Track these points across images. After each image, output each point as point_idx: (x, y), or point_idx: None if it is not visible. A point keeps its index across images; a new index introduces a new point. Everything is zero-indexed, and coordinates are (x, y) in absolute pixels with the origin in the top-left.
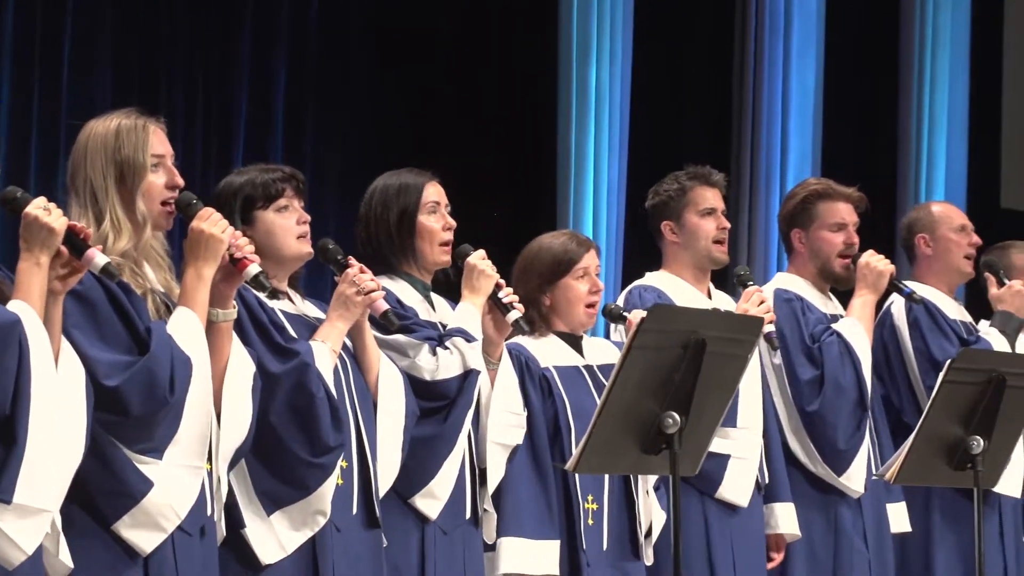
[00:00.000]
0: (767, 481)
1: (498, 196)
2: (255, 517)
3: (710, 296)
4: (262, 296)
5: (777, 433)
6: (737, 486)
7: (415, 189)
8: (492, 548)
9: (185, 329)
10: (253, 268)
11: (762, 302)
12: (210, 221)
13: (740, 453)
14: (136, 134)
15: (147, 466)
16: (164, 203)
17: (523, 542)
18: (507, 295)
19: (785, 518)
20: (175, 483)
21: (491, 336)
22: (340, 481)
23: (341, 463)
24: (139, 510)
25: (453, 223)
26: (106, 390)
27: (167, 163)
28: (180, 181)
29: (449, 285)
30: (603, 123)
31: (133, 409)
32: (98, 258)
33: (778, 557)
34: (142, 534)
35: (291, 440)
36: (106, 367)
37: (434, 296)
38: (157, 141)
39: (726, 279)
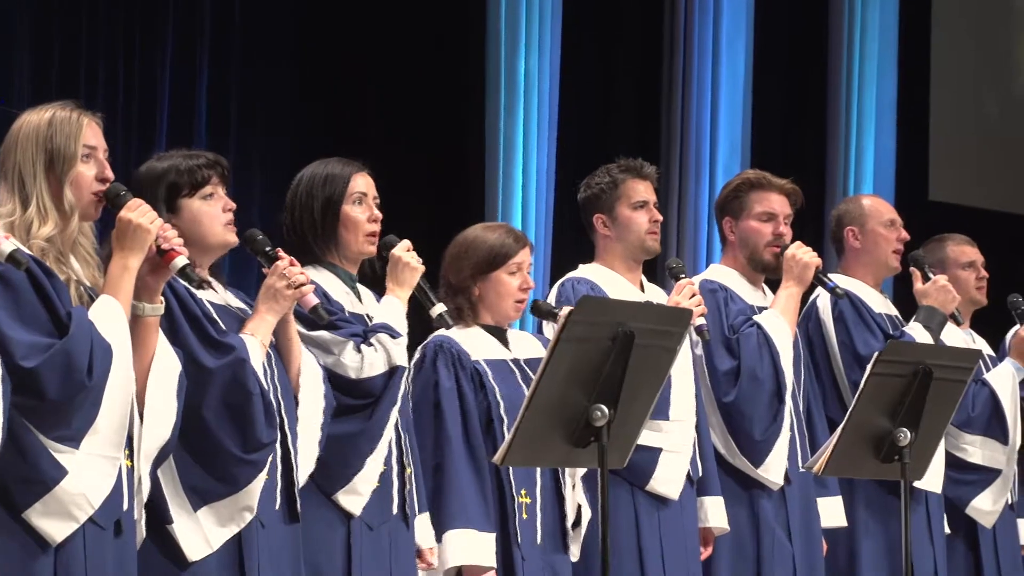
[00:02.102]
0: (700, 474)
1: (426, 187)
2: (181, 512)
3: (643, 289)
4: (190, 287)
5: (708, 426)
6: (668, 479)
7: (341, 179)
8: None
9: (107, 316)
10: (180, 260)
11: (693, 294)
12: (138, 212)
13: (672, 446)
14: (69, 124)
15: (62, 454)
16: (94, 195)
17: (472, 533)
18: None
19: (714, 512)
20: (90, 472)
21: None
22: (266, 476)
23: None
24: (51, 498)
25: (379, 215)
26: (23, 371)
27: (99, 155)
28: (110, 175)
29: (375, 277)
30: (532, 114)
31: (50, 392)
32: (3, 245)
33: (706, 551)
34: (53, 523)
35: (224, 436)
36: (25, 348)
37: (360, 287)
38: (90, 133)
39: (659, 272)
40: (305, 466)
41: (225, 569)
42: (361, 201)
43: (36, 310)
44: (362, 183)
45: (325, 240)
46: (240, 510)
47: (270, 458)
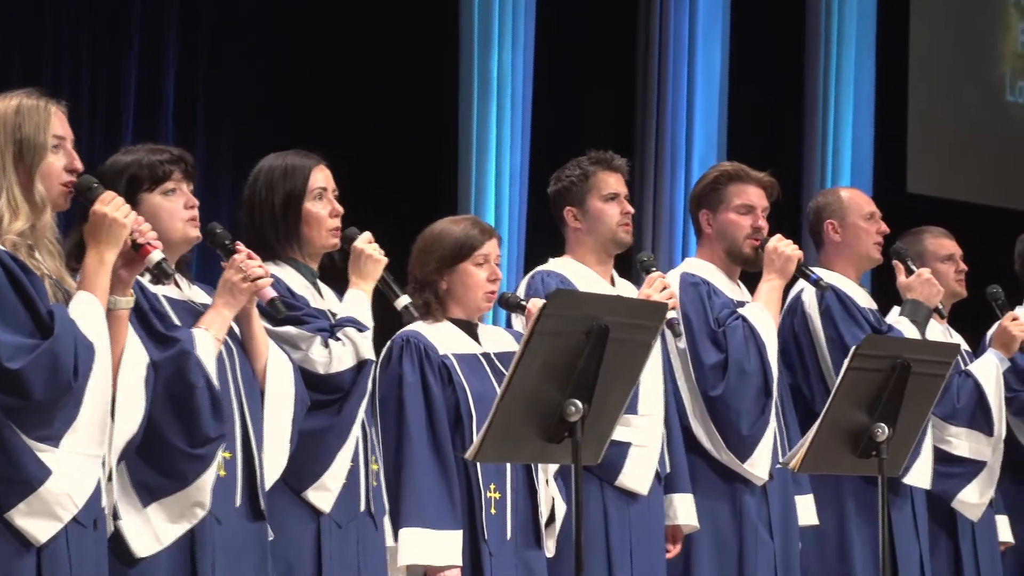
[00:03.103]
0: (668, 471)
1: (399, 182)
2: (130, 509)
3: (613, 283)
4: (144, 281)
5: (678, 422)
6: (637, 474)
7: (301, 173)
8: None
9: (87, 314)
10: (156, 254)
11: (664, 288)
12: (112, 205)
13: (641, 441)
14: (38, 114)
15: (45, 453)
16: (63, 185)
17: (425, 532)
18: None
19: (684, 509)
20: (74, 471)
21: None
22: (223, 472)
23: (224, 454)
24: (36, 498)
25: (340, 209)
26: (9, 373)
27: (67, 146)
28: (79, 165)
29: (335, 270)
30: (505, 109)
31: (36, 393)
32: None
33: (674, 549)
34: (37, 523)
35: (169, 430)
36: (10, 349)
37: (321, 284)
38: (58, 123)
39: (629, 267)
40: (275, 464)
41: (176, 567)
42: (322, 196)
43: (16, 309)
44: (321, 178)
45: (286, 236)
46: (191, 506)
47: (229, 454)
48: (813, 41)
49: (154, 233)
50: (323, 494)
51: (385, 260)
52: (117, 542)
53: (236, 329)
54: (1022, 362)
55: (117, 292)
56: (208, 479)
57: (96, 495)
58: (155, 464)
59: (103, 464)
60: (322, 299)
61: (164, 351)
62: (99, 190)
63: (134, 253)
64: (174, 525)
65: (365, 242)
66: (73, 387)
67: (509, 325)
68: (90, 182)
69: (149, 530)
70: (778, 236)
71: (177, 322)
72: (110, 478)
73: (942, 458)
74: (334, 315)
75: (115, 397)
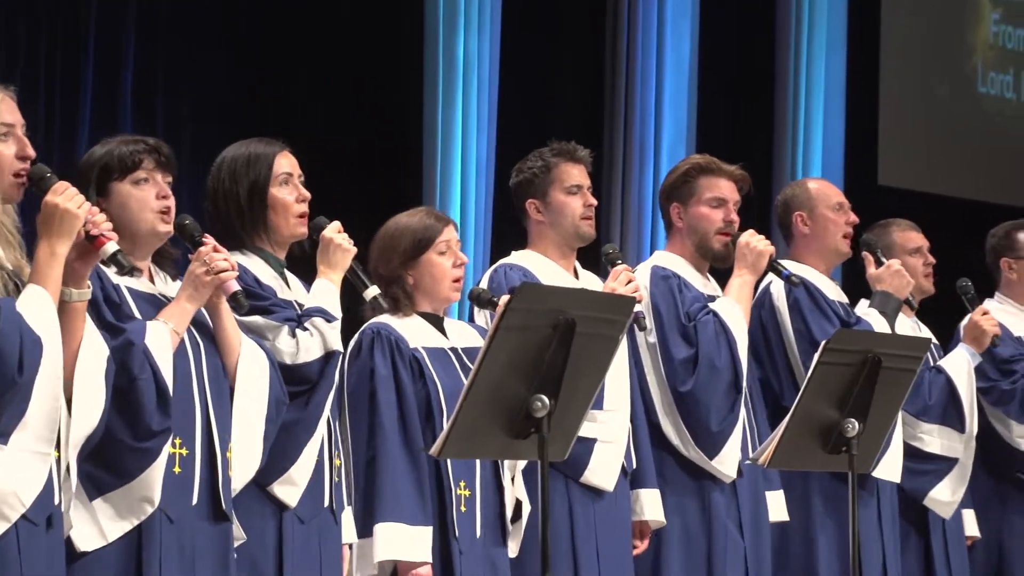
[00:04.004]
0: (634, 466)
1: (363, 172)
2: (76, 503)
3: (577, 275)
4: (108, 271)
5: (644, 417)
6: (603, 470)
7: (265, 160)
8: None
9: (36, 307)
10: (111, 246)
11: (630, 281)
12: (65, 195)
13: (607, 437)
14: None
15: None
16: (16, 175)
17: (402, 527)
18: None
19: (650, 505)
20: (20, 469)
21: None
22: (178, 469)
23: (180, 451)
24: None
25: (307, 194)
26: None
27: (17, 132)
28: (31, 152)
29: (304, 258)
30: (471, 95)
31: None
32: None
33: (642, 545)
34: None
35: (112, 423)
36: None
37: (288, 274)
38: (6, 109)
39: (593, 259)
40: (246, 463)
41: (121, 564)
42: (287, 182)
43: None
44: (286, 163)
45: (253, 225)
46: (138, 501)
47: (187, 451)
48: (783, 32)
49: (109, 224)
50: (289, 488)
51: (354, 250)
52: None
53: (210, 324)
54: (1000, 352)
55: (72, 284)
56: (155, 474)
57: (47, 492)
58: (100, 458)
59: (59, 460)
60: (289, 290)
61: (110, 341)
62: (52, 180)
63: (88, 244)
64: (121, 521)
65: (334, 231)
66: (18, 382)
67: (472, 320)
68: (43, 171)
69: (94, 525)
70: (750, 231)
71: (137, 314)
72: (69, 473)
73: (913, 455)
74: (301, 306)
75: (73, 391)
